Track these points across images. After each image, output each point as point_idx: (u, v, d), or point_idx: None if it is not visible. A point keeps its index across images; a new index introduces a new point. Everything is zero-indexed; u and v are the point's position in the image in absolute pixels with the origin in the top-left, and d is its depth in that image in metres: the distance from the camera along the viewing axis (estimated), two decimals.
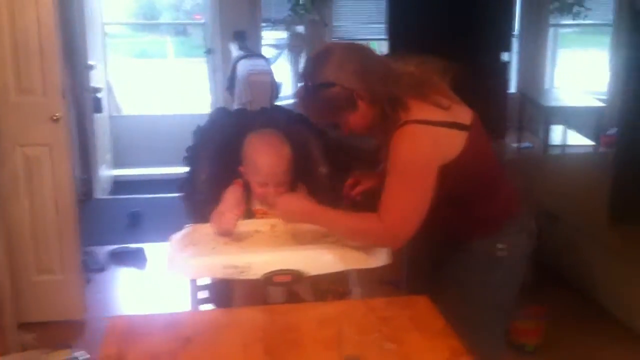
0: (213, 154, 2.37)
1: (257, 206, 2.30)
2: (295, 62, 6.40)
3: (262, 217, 2.29)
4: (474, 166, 1.94)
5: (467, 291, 2.04)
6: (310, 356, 1.65)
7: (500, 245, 2.02)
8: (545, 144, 6.59)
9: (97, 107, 5.25)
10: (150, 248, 4.42)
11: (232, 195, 2.30)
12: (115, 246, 4.45)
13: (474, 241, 2.04)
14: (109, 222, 5.10)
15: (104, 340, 1.72)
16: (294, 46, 6.45)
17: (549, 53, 7.45)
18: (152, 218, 5.01)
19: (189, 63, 9.27)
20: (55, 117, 3.23)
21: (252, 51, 5.50)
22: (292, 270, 1.94)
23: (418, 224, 1.85)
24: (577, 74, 7.77)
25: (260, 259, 1.97)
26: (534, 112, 6.81)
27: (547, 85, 7.48)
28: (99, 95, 5.45)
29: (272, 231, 2.19)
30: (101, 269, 4.18)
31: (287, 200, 2.08)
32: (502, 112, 7.32)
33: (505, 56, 7.06)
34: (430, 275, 2.17)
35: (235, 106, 5.04)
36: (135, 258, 4.32)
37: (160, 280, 4.11)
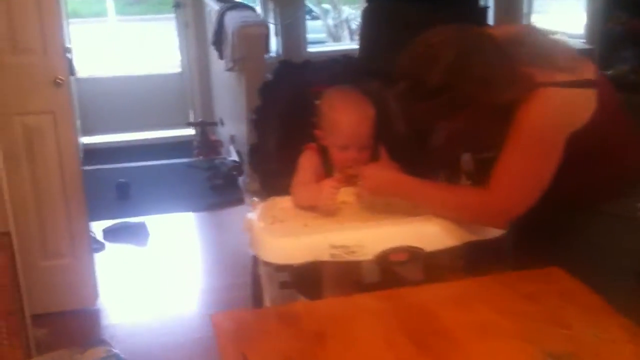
0: (283, 114, 2.05)
1: (337, 174, 2.01)
2: (275, 12, 5.96)
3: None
4: (606, 126, 1.70)
5: (601, 260, 1.80)
6: (471, 346, 1.40)
7: None
8: None
9: (72, 69, 4.77)
10: (150, 221, 4.08)
11: (308, 163, 1.99)
12: (113, 221, 4.07)
13: (607, 202, 1.80)
14: (94, 196, 4.69)
15: (219, 343, 1.43)
16: None
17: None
18: (141, 189, 4.63)
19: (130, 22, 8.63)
20: (58, 80, 2.82)
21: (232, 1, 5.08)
22: (410, 246, 1.68)
23: (533, 199, 1.65)
24: (553, 17, 7.58)
25: (372, 236, 1.70)
26: None
27: None
28: (69, 55, 4.96)
29: (359, 201, 1.91)
30: (101, 248, 3.81)
31: (374, 171, 1.83)
32: None
33: (483, 1, 6.87)
34: (547, 246, 1.93)
35: (225, 63, 4.66)
36: (135, 233, 3.97)
37: (166, 256, 3.80)
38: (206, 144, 5.45)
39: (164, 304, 3.34)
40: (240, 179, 4.92)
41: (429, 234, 1.72)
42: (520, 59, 1.67)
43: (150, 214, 4.13)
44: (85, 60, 7.67)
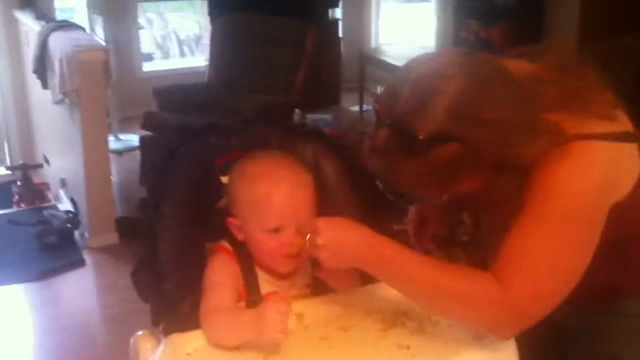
0: (181, 206, 1.36)
1: (267, 287, 1.37)
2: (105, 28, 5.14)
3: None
4: None
5: None
6: None
7: None
8: None
9: None
10: None
11: (224, 275, 1.34)
12: None
13: (633, 301, 1.34)
14: None
15: None
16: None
17: (373, 8, 6.95)
18: None
19: None
20: None
21: (55, 19, 4.24)
22: None
23: (562, 298, 1.18)
24: (403, 29, 7.33)
25: None
26: (372, 72, 6.26)
27: (373, 43, 6.99)
28: None
29: (302, 327, 1.31)
30: None
31: (333, 225, 1.25)
32: (336, 74, 6.71)
33: (334, 13, 6.47)
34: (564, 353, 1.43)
35: (52, 94, 3.83)
36: None
37: None
38: (29, 189, 4.51)
39: None
40: (77, 233, 4.06)
41: None
42: (544, 102, 1.19)
43: None
44: None
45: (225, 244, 1.39)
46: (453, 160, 1.12)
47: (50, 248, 3.84)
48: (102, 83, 3.56)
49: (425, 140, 1.11)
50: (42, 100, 4.16)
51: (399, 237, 1.43)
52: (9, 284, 3.55)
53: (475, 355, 1.21)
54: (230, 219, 1.36)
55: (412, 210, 1.43)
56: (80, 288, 3.56)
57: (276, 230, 1.31)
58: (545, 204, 1.15)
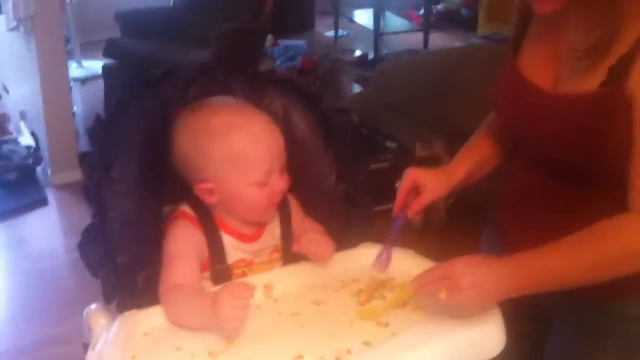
0: (134, 168, 1.20)
1: (233, 254, 1.24)
2: None
3: (242, 275, 1.24)
4: None
5: None
6: None
7: None
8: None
9: None
10: None
11: (187, 245, 1.20)
12: None
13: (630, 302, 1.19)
14: None
15: None
16: None
17: None
18: None
19: None
20: None
21: None
22: None
23: None
24: None
25: None
26: None
27: None
28: None
29: (272, 300, 1.21)
30: None
31: (472, 271, 1.06)
32: None
33: None
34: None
35: (6, 21, 3.58)
36: None
37: None
38: None
39: None
40: (39, 169, 3.88)
41: None
42: None
43: None
44: None
45: (186, 208, 1.25)
46: None
47: (10, 186, 3.66)
48: (56, 8, 3.30)
49: None
50: None
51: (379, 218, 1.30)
52: None
53: (460, 331, 1.10)
54: (200, 185, 1.21)
55: (406, 176, 1.28)
56: (44, 229, 3.40)
57: (265, 176, 1.19)
58: None
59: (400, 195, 1.28)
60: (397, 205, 1.29)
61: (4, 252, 3.25)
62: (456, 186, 1.32)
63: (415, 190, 1.28)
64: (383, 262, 1.25)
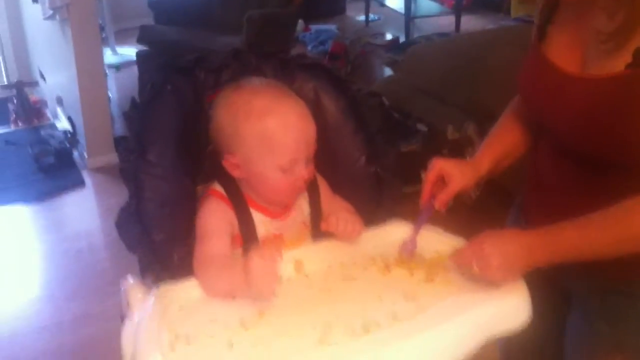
0: (169, 152, 1.25)
1: (263, 229, 1.28)
2: None
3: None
4: None
5: None
6: None
7: None
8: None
9: None
10: None
11: (218, 221, 1.25)
12: None
13: None
14: None
15: None
16: None
17: None
18: None
19: None
20: None
21: None
22: None
23: None
24: None
25: None
26: None
27: None
28: None
29: (302, 275, 1.24)
30: None
31: (496, 243, 1.13)
32: None
33: None
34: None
35: (42, 9, 3.65)
36: None
37: None
38: (26, 107, 4.39)
39: None
40: (76, 153, 3.97)
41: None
42: None
43: None
44: None
45: (217, 187, 1.29)
46: None
47: (48, 169, 3.76)
48: None
49: None
50: (35, 16, 3.98)
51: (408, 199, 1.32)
52: (8, 204, 3.49)
53: (487, 304, 1.12)
54: (228, 157, 1.25)
55: (431, 167, 1.30)
56: (81, 210, 3.49)
57: (289, 166, 1.22)
58: None
59: (426, 186, 1.30)
60: (423, 196, 1.31)
61: (43, 233, 3.35)
62: (482, 177, 1.34)
63: (442, 181, 1.30)
64: (409, 250, 1.28)
